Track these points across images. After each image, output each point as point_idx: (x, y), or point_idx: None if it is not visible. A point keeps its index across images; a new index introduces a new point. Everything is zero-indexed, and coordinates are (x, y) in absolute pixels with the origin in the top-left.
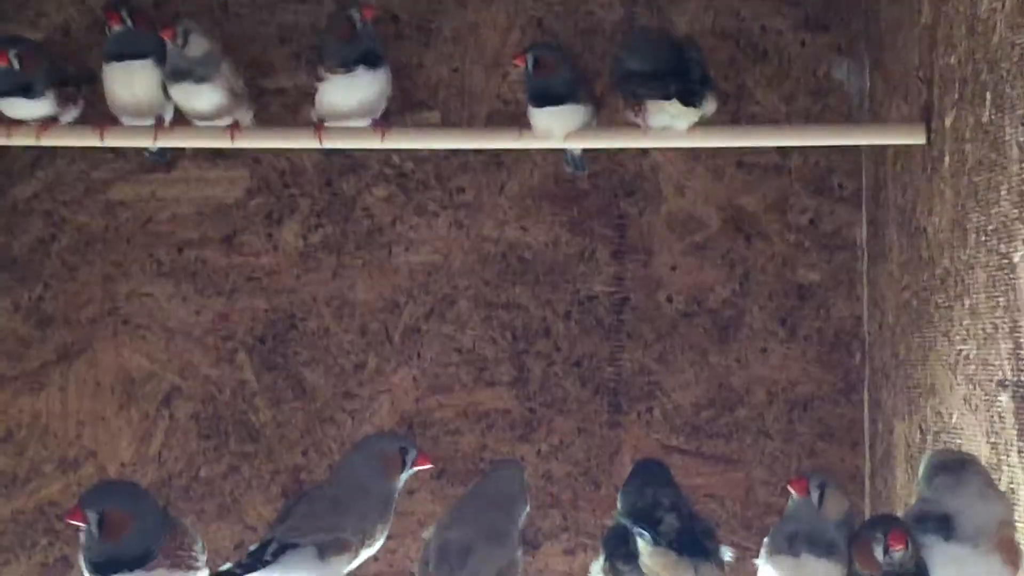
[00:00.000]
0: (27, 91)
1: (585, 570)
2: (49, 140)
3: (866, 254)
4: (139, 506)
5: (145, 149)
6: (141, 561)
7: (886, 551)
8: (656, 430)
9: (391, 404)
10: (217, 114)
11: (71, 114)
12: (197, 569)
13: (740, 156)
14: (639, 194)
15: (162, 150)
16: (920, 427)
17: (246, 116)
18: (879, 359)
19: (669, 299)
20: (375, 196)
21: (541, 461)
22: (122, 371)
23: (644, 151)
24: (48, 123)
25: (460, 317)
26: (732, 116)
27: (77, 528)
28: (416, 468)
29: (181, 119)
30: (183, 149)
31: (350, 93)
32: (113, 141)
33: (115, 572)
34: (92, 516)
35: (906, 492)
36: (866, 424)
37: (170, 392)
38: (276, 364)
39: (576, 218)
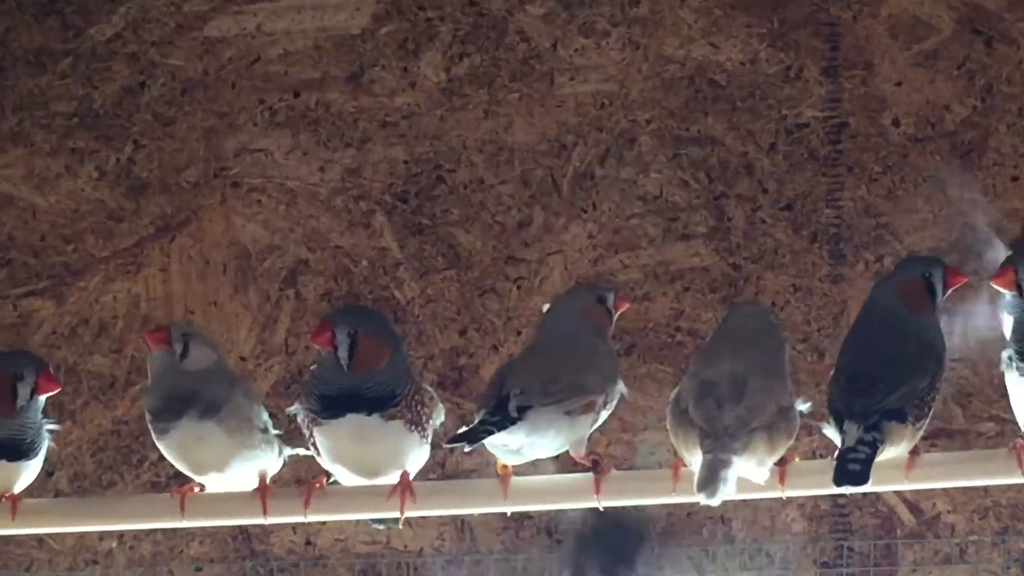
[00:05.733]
0: None
1: (806, 450)
2: None
3: None
4: (393, 339)
5: None
6: (384, 403)
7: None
8: None
9: (564, 268)
10: None
11: None
12: (427, 439)
13: None
14: None
15: None
16: None
17: None
18: None
19: (896, 122)
20: (530, 15)
21: None
22: (235, 245)
23: None
24: None
25: (642, 157)
26: None
27: (318, 352)
28: (619, 311)
29: None
30: None
31: None
32: None
33: (353, 411)
34: (342, 338)
35: None
36: None
37: (295, 267)
38: (422, 227)
39: (777, 29)
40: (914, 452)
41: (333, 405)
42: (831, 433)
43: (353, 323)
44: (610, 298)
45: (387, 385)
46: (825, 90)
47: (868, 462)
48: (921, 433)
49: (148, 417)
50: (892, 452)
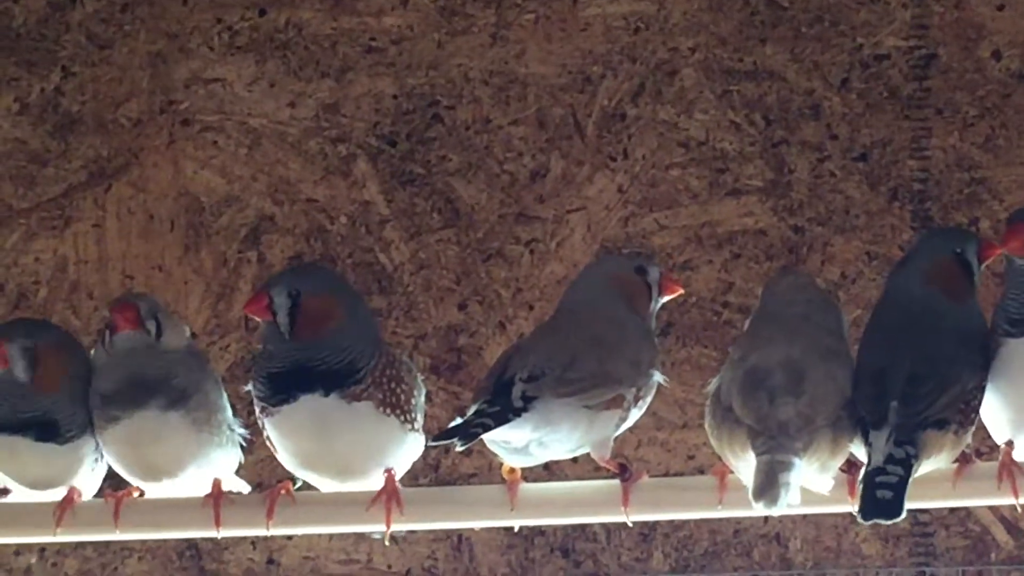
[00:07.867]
0: None
1: None
2: None
3: None
4: (348, 297)
5: None
6: (342, 378)
7: None
8: None
9: (587, 228)
10: None
11: None
12: (412, 424)
13: None
14: None
15: None
16: None
17: None
18: None
19: (996, 54)
20: None
21: None
22: (185, 196)
23: None
24: None
25: (685, 94)
26: None
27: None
28: (666, 297)
29: None
30: None
31: None
32: None
33: (305, 390)
34: (281, 301)
35: None
36: None
37: (258, 224)
38: (413, 176)
39: None
40: (965, 459)
41: (282, 386)
42: (856, 449)
43: (295, 283)
44: (653, 272)
45: (344, 353)
46: (910, 13)
47: (901, 487)
48: (967, 440)
49: (93, 402)
50: (931, 466)
